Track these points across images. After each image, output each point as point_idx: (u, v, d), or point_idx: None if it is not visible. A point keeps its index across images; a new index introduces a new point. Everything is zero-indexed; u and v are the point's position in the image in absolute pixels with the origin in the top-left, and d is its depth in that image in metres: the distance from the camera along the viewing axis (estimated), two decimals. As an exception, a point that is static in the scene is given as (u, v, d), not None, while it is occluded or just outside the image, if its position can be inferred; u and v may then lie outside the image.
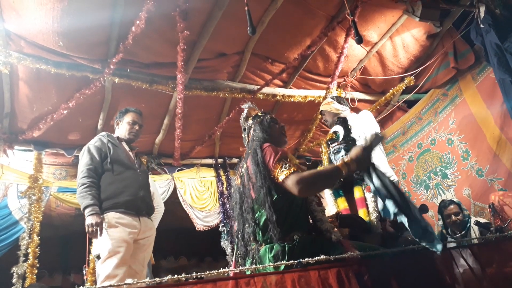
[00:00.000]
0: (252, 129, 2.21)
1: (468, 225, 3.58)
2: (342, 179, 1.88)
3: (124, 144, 3.11)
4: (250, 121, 2.26)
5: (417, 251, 1.88)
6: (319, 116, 4.31)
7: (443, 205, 3.73)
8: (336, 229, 1.95)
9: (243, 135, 2.33)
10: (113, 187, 2.80)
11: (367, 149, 1.86)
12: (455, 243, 3.07)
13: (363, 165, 1.85)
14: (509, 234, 2.17)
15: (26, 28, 3.21)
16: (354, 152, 1.85)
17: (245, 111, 2.33)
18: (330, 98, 3.58)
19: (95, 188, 2.76)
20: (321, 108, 3.53)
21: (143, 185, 3.01)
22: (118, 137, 3.11)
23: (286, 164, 1.86)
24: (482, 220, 3.60)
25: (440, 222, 3.76)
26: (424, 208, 2.17)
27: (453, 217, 3.61)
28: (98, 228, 2.60)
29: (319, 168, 2.53)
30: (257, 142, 2.04)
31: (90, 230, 2.59)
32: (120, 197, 2.78)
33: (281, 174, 1.83)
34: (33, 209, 4.16)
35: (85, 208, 2.65)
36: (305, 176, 1.83)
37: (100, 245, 2.63)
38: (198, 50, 3.76)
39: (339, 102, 3.52)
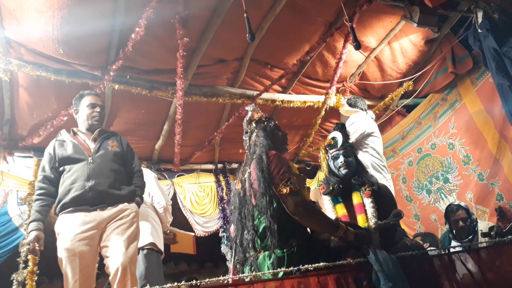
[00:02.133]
0: (255, 134, 2.21)
1: (476, 229, 3.53)
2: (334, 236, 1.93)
3: (80, 135, 2.81)
4: (253, 125, 2.26)
5: (416, 257, 1.88)
6: (313, 129, 4.48)
7: (451, 209, 3.66)
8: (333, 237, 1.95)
9: (244, 137, 2.32)
10: (62, 188, 2.59)
11: (371, 235, 1.96)
12: (461, 247, 3.06)
13: (361, 243, 1.89)
14: (509, 238, 2.17)
15: (26, 36, 3.23)
16: (360, 232, 1.93)
17: (249, 113, 2.34)
18: (344, 101, 3.77)
19: (44, 199, 2.59)
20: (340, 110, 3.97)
21: (95, 173, 2.63)
22: (73, 130, 2.83)
23: (292, 180, 1.88)
24: (485, 225, 3.59)
25: (447, 226, 3.70)
26: (398, 213, 2.17)
27: (461, 223, 3.55)
28: (37, 245, 2.45)
29: (321, 203, 2.53)
30: (263, 148, 2.04)
31: (28, 248, 2.47)
32: (67, 196, 2.54)
33: (285, 188, 1.85)
34: (33, 215, 4.14)
35: (31, 222, 2.54)
36: (307, 204, 1.88)
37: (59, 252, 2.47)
38: (197, 56, 3.78)
39: (350, 104, 3.68)
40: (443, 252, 2.19)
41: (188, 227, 5.23)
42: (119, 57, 3.47)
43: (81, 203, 2.53)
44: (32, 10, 2.99)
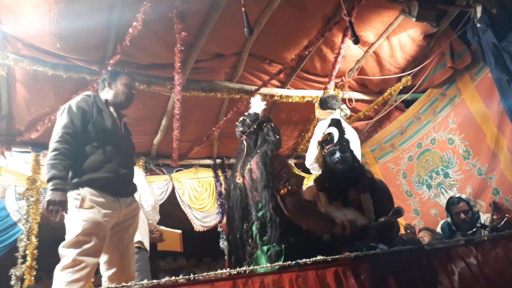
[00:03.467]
0: (266, 129, 2.24)
1: (479, 221, 3.52)
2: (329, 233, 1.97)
3: (112, 109, 2.61)
4: (263, 120, 2.28)
5: (414, 250, 1.89)
6: (313, 124, 4.44)
7: (452, 202, 3.65)
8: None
9: (248, 119, 2.32)
10: (91, 160, 2.33)
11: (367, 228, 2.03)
12: (458, 241, 3.05)
13: (358, 237, 1.97)
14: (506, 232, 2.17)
15: (23, 30, 3.21)
16: (356, 223, 1.97)
17: (263, 107, 2.38)
18: (316, 103, 3.82)
19: (68, 158, 2.23)
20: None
21: (127, 161, 2.54)
22: (106, 100, 2.62)
23: (290, 181, 1.92)
24: (485, 218, 3.59)
25: (449, 219, 3.69)
26: (398, 211, 2.18)
27: (462, 215, 3.54)
28: (60, 209, 2.12)
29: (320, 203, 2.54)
30: (270, 145, 2.09)
31: (49, 208, 2.09)
32: (98, 172, 2.32)
33: (283, 189, 1.90)
34: (31, 210, 4.15)
35: (50, 179, 2.15)
36: (303, 206, 1.93)
37: (69, 226, 2.22)
38: (195, 51, 3.77)
39: (322, 107, 3.68)
40: (440, 246, 2.19)
41: (184, 222, 5.24)
42: (117, 52, 3.45)
43: (109, 187, 2.34)
44: (29, 4, 2.97)
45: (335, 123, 2.63)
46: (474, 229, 3.50)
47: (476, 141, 4.28)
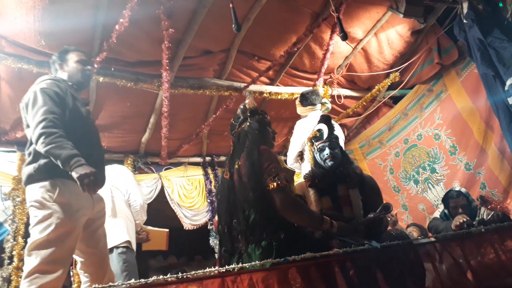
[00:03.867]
0: (247, 124, 2.19)
1: (477, 218, 3.44)
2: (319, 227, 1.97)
3: (76, 94, 2.41)
4: (248, 113, 2.24)
5: (402, 246, 1.90)
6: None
7: (450, 195, 3.57)
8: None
9: (233, 121, 2.29)
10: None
11: (354, 227, 2.02)
12: (445, 236, 3.06)
13: (344, 235, 1.97)
14: (492, 226, 2.20)
15: (6, 27, 3.15)
16: (344, 224, 1.99)
17: (247, 101, 2.32)
18: (297, 100, 3.83)
19: (68, 140, 2.07)
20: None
21: (100, 151, 2.43)
22: (71, 85, 2.42)
23: (280, 176, 1.90)
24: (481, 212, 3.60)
25: (446, 211, 3.69)
26: (387, 207, 2.19)
27: (460, 210, 3.46)
28: (95, 178, 2.00)
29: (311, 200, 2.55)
30: (255, 141, 2.06)
31: (85, 182, 1.97)
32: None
33: (272, 183, 1.88)
34: (17, 211, 4.08)
35: (68, 159, 1.98)
36: (293, 200, 1.91)
37: (39, 219, 2.06)
38: (183, 48, 3.74)
39: (302, 104, 3.68)
40: (428, 241, 2.21)
41: (174, 220, 5.22)
42: (103, 49, 3.41)
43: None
44: (12, 0, 2.91)
45: (325, 119, 2.63)
46: (472, 223, 3.48)
47: (462, 136, 4.32)
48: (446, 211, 3.64)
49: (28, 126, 2.22)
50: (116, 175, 3.55)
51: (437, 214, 3.89)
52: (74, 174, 1.98)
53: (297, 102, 3.90)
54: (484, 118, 4.05)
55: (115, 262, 3.14)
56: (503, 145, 3.75)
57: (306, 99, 3.73)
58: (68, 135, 2.12)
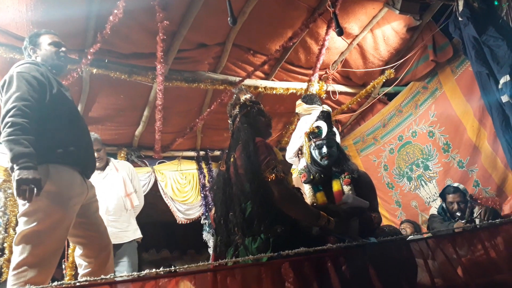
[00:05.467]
0: (238, 119, 2.19)
1: (473, 213, 3.55)
2: (315, 223, 1.97)
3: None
4: (237, 109, 2.23)
5: (395, 242, 1.91)
6: (296, 117, 4.45)
7: (448, 191, 3.68)
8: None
9: (229, 121, 2.30)
10: (57, 135, 2.12)
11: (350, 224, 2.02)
12: (437, 233, 3.09)
13: (340, 231, 1.96)
14: (483, 224, 2.22)
15: (-2, 16, 3.10)
16: (344, 223, 1.97)
17: (234, 96, 2.31)
18: (300, 100, 3.90)
19: (30, 133, 1.97)
20: (296, 110, 3.94)
21: (88, 136, 2.36)
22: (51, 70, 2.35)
23: (277, 168, 1.89)
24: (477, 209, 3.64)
25: (444, 205, 3.73)
26: (362, 211, 2.22)
27: (455, 206, 3.60)
28: (34, 188, 1.88)
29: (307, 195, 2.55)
30: (249, 135, 2.04)
31: (22, 188, 1.85)
32: (67, 148, 2.11)
33: (270, 176, 1.87)
34: (8, 202, 4.05)
35: (17, 157, 1.88)
36: (291, 193, 1.91)
37: (27, 210, 2.00)
38: (178, 40, 3.71)
39: (306, 102, 3.74)
40: (420, 238, 2.23)
41: (167, 214, 5.21)
42: (97, 40, 3.37)
43: (79, 165, 2.17)
44: (4, -12, 2.86)
45: (325, 116, 2.63)
46: (470, 218, 3.52)
47: (456, 134, 4.34)
48: (444, 205, 3.69)
49: None
50: (129, 171, 3.63)
51: (433, 211, 3.93)
52: (15, 175, 1.88)
53: (298, 101, 3.91)
54: (477, 116, 4.07)
55: (132, 254, 3.28)
56: (496, 143, 3.77)
57: (311, 100, 3.83)
58: (49, 120, 2.07)
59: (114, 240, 3.07)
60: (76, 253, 2.32)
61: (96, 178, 3.26)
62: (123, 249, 3.29)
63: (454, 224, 3.47)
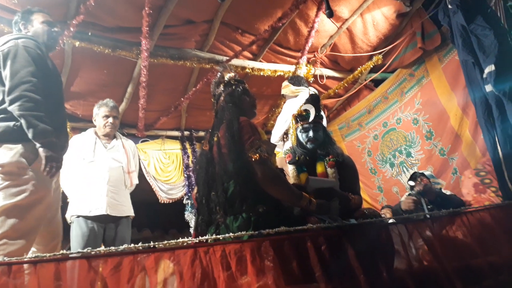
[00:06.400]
0: (222, 98, 2.16)
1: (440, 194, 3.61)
2: (298, 206, 1.97)
3: None
4: (222, 88, 2.20)
5: (373, 224, 1.93)
6: (283, 100, 4.42)
7: (414, 177, 3.71)
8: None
9: (212, 99, 2.27)
10: (48, 116, 2.13)
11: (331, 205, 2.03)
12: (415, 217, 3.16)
13: (322, 212, 1.98)
14: (462, 209, 2.26)
15: (-25, -19, 2.96)
16: (322, 202, 1.98)
17: (218, 75, 2.27)
18: (287, 81, 3.86)
19: (44, 112, 2.05)
20: (282, 92, 3.89)
21: (64, 115, 2.40)
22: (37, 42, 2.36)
23: (261, 148, 1.88)
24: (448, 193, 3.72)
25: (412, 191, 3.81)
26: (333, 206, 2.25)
27: (421, 189, 3.59)
28: (60, 166, 2.04)
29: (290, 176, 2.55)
30: (233, 114, 2.02)
31: (51, 165, 1.98)
32: (57, 129, 2.15)
33: (254, 155, 1.85)
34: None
35: (43, 134, 1.98)
36: (274, 174, 1.89)
37: (11, 184, 2.01)
38: (164, 15, 3.61)
39: (294, 84, 3.71)
40: (399, 221, 2.26)
41: (149, 194, 5.16)
42: (80, 12, 3.26)
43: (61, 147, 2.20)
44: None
45: (314, 100, 2.61)
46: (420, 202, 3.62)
47: (439, 122, 4.39)
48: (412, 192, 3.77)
49: None
50: (134, 150, 3.59)
51: (403, 198, 4.01)
52: (43, 152, 1.96)
53: (285, 83, 3.88)
54: (461, 105, 4.11)
55: (127, 229, 3.26)
56: (477, 132, 3.84)
57: (299, 81, 3.80)
58: (45, 100, 2.08)
59: (112, 212, 3.13)
60: None
61: (101, 146, 3.26)
62: (121, 222, 3.23)
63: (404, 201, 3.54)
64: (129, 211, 3.33)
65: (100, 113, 3.32)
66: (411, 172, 4.64)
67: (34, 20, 2.37)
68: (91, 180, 3.13)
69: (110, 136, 3.39)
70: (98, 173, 3.17)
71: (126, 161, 3.39)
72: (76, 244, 2.99)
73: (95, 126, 3.40)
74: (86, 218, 3.04)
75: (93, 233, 3.02)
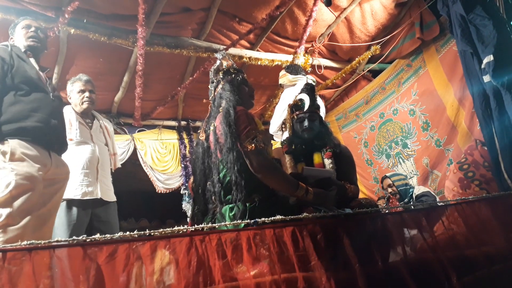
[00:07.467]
0: (220, 86, 2.14)
1: (410, 193, 3.83)
2: (294, 196, 1.95)
3: (32, 61, 2.43)
4: (221, 76, 2.18)
5: (369, 213, 1.94)
6: (281, 90, 4.39)
7: (384, 177, 4.08)
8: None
9: (210, 86, 2.25)
10: (17, 109, 2.17)
11: (328, 194, 2.00)
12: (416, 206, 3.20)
13: (319, 202, 1.94)
14: (458, 199, 2.27)
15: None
16: (319, 191, 1.95)
17: (218, 62, 2.25)
18: (284, 70, 3.81)
19: None
20: (279, 81, 3.83)
21: (56, 112, 2.41)
22: (25, 51, 2.45)
23: (257, 138, 1.88)
24: (421, 190, 3.80)
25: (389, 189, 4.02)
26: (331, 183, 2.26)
27: (389, 189, 3.98)
28: None
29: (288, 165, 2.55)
30: (230, 103, 2.00)
31: None
32: (27, 121, 2.16)
33: (250, 145, 1.85)
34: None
35: None
36: (270, 163, 1.88)
37: None
38: (161, 3, 3.57)
39: (291, 72, 3.69)
40: (394, 211, 2.27)
41: (146, 183, 5.16)
42: (75, -2, 3.21)
43: (40, 138, 2.21)
44: None
45: (308, 89, 2.60)
46: (406, 200, 3.82)
47: (436, 113, 4.39)
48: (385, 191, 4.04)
49: None
50: (112, 132, 3.43)
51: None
52: None
53: (282, 72, 3.84)
54: (457, 96, 4.10)
55: (114, 214, 3.14)
56: (473, 123, 3.84)
57: (296, 70, 3.76)
58: (4, 94, 2.17)
59: (104, 196, 3.00)
60: None
61: (84, 126, 3.10)
62: (110, 207, 3.09)
63: None
64: (114, 197, 3.18)
65: (74, 89, 3.11)
66: (407, 163, 4.71)
67: (17, 29, 2.48)
68: (81, 163, 2.95)
69: (88, 114, 3.19)
70: (88, 155, 2.99)
71: (111, 142, 3.26)
72: (62, 228, 2.79)
73: None
74: (75, 202, 2.87)
75: (80, 218, 2.86)
